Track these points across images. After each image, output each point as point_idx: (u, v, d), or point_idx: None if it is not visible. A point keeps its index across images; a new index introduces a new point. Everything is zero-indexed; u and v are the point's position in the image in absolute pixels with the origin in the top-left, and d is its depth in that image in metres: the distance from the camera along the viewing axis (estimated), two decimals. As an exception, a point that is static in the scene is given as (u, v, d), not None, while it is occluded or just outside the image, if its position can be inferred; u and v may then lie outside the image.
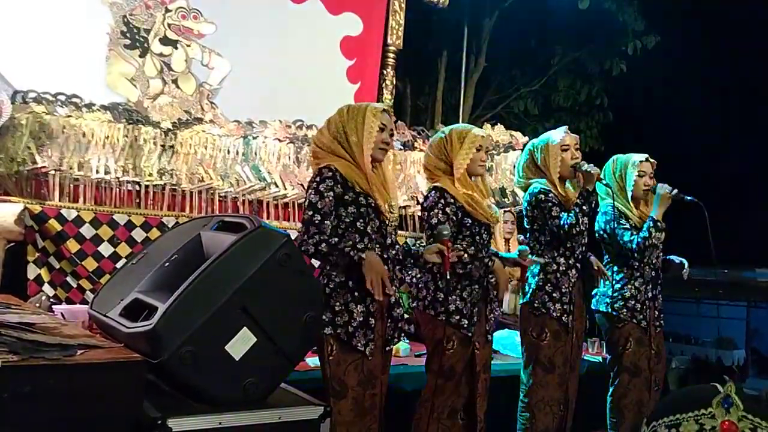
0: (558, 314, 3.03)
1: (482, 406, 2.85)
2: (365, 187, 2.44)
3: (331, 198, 2.38)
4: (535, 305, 3.07)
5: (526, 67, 8.37)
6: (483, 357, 2.84)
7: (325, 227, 2.36)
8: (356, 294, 2.40)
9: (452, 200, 2.76)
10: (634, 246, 3.23)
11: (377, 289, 2.31)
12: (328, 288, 2.42)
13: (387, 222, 2.50)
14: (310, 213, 2.37)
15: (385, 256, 2.48)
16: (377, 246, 2.46)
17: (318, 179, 2.40)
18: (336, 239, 2.36)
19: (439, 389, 2.77)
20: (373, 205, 2.45)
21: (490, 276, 2.85)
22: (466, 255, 2.68)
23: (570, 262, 3.07)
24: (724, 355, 6.29)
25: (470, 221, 2.77)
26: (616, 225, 3.29)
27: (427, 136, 5.06)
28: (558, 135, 3.15)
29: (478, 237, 2.80)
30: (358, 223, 2.43)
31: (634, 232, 3.26)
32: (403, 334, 2.60)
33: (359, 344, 2.39)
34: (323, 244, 2.33)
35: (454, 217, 2.75)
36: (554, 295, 3.05)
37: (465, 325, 2.75)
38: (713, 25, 7.71)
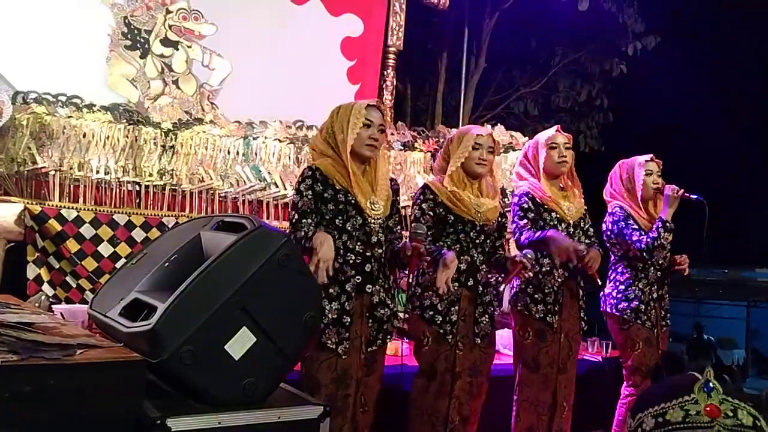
0: (541, 315, 3.01)
1: (460, 409, 2.76)
2: (345, 184, 2.44)
3: (310, 197, 2.42)
4: (518, 307, 3.07)
5: (526, 68, 8.37)
6: (468, 360, 2.77)
7: (302, 225, 2.38)
8: (330, 291, 2.40)
9: (432, 196, 2.77)
10: (643, 246, 3.23)
11: (320, 272, 2.24)
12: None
13: (370, 220, 2.47)
14: (292, 213, 2.45)
15: (368, 254, 2.46)
16: (359, 244, 2.44)
17: (300, 179, 2.46)
18: (302, 235, 2.34)
19: (422, 389, 2.75)
20: (353, 202, 2.44)
21: (479, 277, 2.81)
22: (425, 263, 2.57)
23: (555, 262, 3.02)
24: (724, 354, 6.30)
25: (452, 218, 2.76)
26: (624, 225, 3.29)
27: (427, 136, 5.06)
28: (548, 132, 3.16)
29: (462, 234, 2.77)
30: (336, 220, 2.44)
31: (643, 233, 3.26)
32: (389, 336, 2.57)
33: (329, 341, 2.38)
34: (293, 237, 2.34)
35: (431, 213, 2.75)
36: (536, 296, 3.03)
37: (438, 322, 2.71)
38: (713, 25, 7.72)
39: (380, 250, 2.50)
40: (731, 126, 7.70)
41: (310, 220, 2.40)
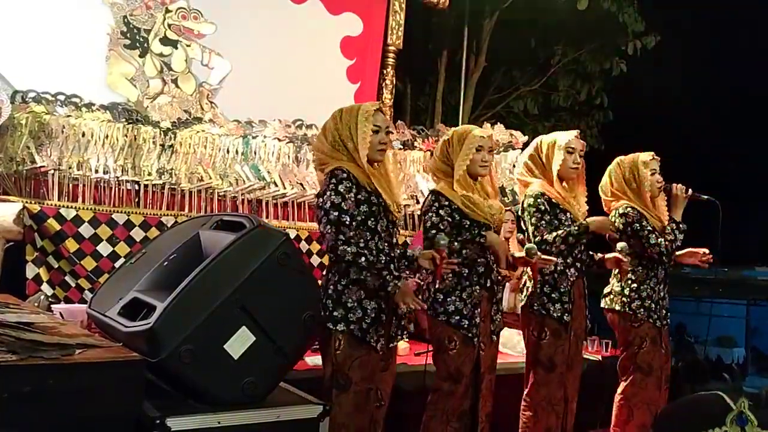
0: (559, 314, 3.03)
1: (485, 407, 2.84)
2: (373, 187, 2.47)
3: (353, 199, 2.41)
4: (535, 307, 3.07)
5: (526, 67, 8.37)
6: (488, 358, 2.83)
7: (352, 229, 2.38)
8: (369, 290, 2.43)
9: (447, 203, 2.78)
10: (663, 249, 3.22)
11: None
12: (340, 285, 2.43)
13: (395, 221, 2.54)
14: (336, 214, 2.37)
15: (392, 254, 2.51)
16: (386, 245, 2.49)
17: (335, 180, 2.40)
18: (373, 258, 2.37)
19: (448, 393, 2.78)
20: (383, 204, 2.48)
21: (493, 276, 2.85)
22: (457, 267, 2.68)
23: (568, 261, 3.07)
24: (724, 353, 6.31)
25: (468, 222, 2.78)
26: (639, 227, 3.28)
27: (427, 135, 5.06)
28: (567, 136, 3.13)
29: (478, 238, 2.80)
30: (369, 222, 2.45)
31: (658, 235, 3.26)
32: (404, 332, 2.62)
33: (372, 340, 2.42)
34: (362, 258, 2.35)
35: (449, 219, 2.76)
36: (553, 295, 3.05)
37: (465, 326, 2.75)
38: (713, 24, 7.72)
39: (398, 251, 2.57)
40: (731, 124, 7.71)
41: (356, 223, 2.40)
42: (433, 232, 2.73)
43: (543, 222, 3.04)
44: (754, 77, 7.66)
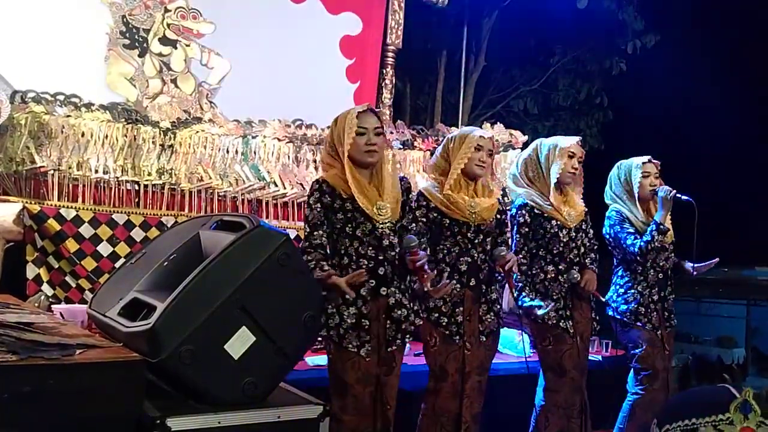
0: (554, 322, 3.05)
1: (472, 408, 2.81)
2: (350, 192, 2.49)
3: (319, 209, 2.49)
4: (532, 317, 3.10)
5: (525, 66, 8.36)
6: (475, 358, 2.81)
7: (314, 238, 2.46)
8: (347, 297, 2.43)
9: (425, 203, 2.82)
10: (636, 250, 3.26)
11: (357, 284, 2.37)
12: (324, 292, 2.45)
13: (378, 224, 2.50)
14: (305, 225, 2.52)
15: (381, 257, 2.49)
16: (370, 248, 2.49)
17: (309, 193, 2.54)
18: (313, 264, 2.39)
19: (434, 391, 2.79)
20: (360, 209, 2.49)
21: (481, 276, 2.82)
22: (435, 276, 2.64)
23: (560, 268, 3.08)
24: (724, 353, 6.30)
25: (448, 221, 2.80)
26: (619, 229, 3.30)
27: (427, 135, 5.05)
28: (569, 141, 3.13)
29: (460, 237, 2.80)
30: (347, 228, 2.50)
31: (637, 237, 3.28)
32: (408, 336, 2.59)
33: (350, 345, 2.43)
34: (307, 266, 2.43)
35: (424, 219, 2.79)
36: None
37: (444, 323, 2.76)
38: (713, 23, 7.72)
39: (393, 253, 2.53)
40: (732, 124, 7.70)
41: (321, 232, 2.47)
42: (405, 223, 2.74)
43: (517, 235, 3.08)
44: (755, 75, 7.66)
